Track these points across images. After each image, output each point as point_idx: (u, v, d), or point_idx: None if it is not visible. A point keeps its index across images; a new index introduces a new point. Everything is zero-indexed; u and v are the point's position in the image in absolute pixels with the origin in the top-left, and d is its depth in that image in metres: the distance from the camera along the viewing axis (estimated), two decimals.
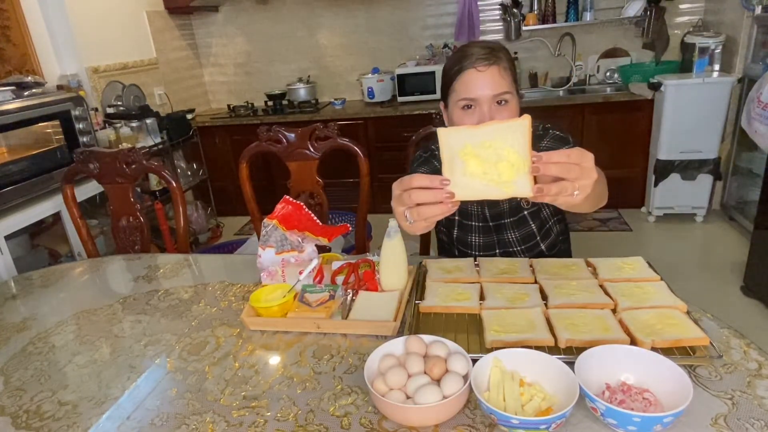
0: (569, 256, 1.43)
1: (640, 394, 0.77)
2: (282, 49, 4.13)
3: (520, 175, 0.73)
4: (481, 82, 1.11)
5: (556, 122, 1.37)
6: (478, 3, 3.63)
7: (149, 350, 1.08)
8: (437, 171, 1.32)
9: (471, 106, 1.14)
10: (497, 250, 1.36)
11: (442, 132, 0.76)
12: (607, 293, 1.03)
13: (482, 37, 3.74)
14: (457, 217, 1.39)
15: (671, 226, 3.25)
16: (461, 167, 0.75)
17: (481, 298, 1.07)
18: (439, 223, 1.47)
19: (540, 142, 1.27)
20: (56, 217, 2.38)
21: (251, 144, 1.84)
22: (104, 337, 1.15)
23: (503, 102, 1.13)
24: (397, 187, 0.84)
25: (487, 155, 0.73)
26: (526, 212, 1.31)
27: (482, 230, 1.36)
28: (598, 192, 0.98)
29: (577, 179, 0.75)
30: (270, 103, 3.95)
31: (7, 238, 2.13)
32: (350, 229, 1.33)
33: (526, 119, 0.72)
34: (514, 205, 1.32)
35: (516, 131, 0.71)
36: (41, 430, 0.88)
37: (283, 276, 1.21)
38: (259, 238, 1.24)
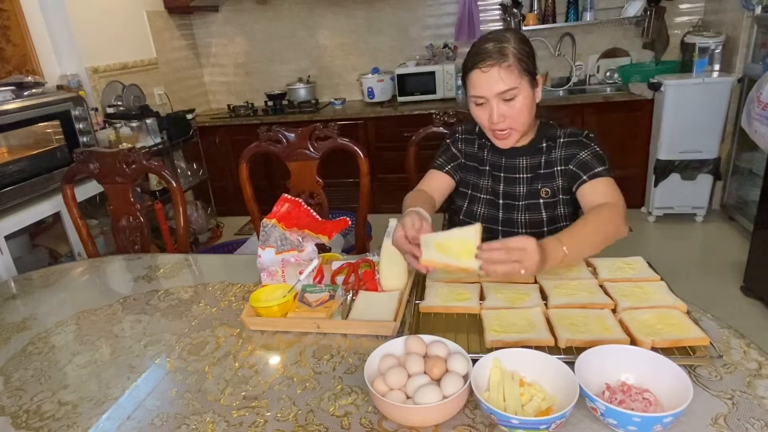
0: None
1: (640, 394, 0.77)
2: (282, 49, 4.13)
3: (472, 259, 0.94)
4: (485, 81, 1.17)
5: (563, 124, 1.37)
6: (478, 3, 3.63)
7: (149, 350, 1.08)
8: (455, 158, 1.39)
9: (482, 103, 1.21)
10: (500, 227, 1.36)
11: (422, 237, 1.01)
12: (607, 293, 1.03)
13: None
14: (469, 191, 1.40)
15: (671, 226, 3.25)
16: (433, 248, 0.98)
17: (481, 298, 1.07)
18: (451, 199, 1.47)
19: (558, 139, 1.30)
20: (56, 217, 2.38)
21: (251, 144, 1.84)
22: (104, 337, 1.15)
23: (510, 98, 1.18)
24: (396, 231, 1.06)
25: (450, 246, 0.97)
26: (542, 201, 1.32)
27: (488, 203, 1.37)
28: (594, 242, 1.07)
29: (520, 262, 0.91)
30: (270, 103, 3.94)
31: (7, 238, 2.13)
32: (349, 223, 1.33)
33: (478, 227, 0.95)
34: (534, 190, 1.32)
35: (470, 235, 0.95)
36: (41, 430, 0.88)
37: (283, 276, 1.21)
38: (258, 238, 1.24)
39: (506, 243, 0.92)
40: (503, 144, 1.27)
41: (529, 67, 1.18)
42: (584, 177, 1.23)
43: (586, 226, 1.09)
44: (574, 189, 1.26)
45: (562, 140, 1.30)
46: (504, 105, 1.18)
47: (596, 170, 1.22)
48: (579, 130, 1.30)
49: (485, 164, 1.38)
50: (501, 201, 1.36)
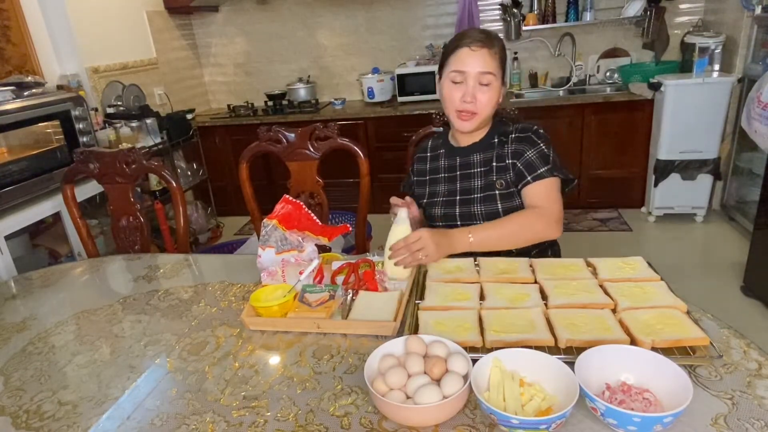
0: (526, 254, 1.39)
1: (640, 394, 0.77)
2: (282, 49, 4.13)
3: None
4: (472, 59, 1.27)
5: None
6: (478, 3, 3.63)
7: (149, 350, 1.08)
8: (411, 187, 1.50)
9: (460, 81, 1.29)
10: (459, 223, 1.40)
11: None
12: (607, 293, 1.03)
13: None
14: (425, 200, 1.47)
15: (671, 226, 3.25)
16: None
17: (481, 298, 1.07)
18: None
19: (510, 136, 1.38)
20: (56, 217, 2.38)
21: (251, 144, 1.84)
22: (104, 337, 1.15)
23: (487, 83, 1.28)
24: None
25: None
26: (497, 192, 1.36)
27: (445, 203, 1.43)
28: (501, 237, 1.24)
29: (421, 250, 1.15)
30: (270, 103, 3.94)
31: (7, 238, 2.13)
32: (350, 229, 1.34)
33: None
34: (489, 183, 1.37)
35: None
36: (41, 430, 0.88)
37: (283, 276, 1.21)
38: (259, 238, 1.24)
39: (406, 239, 1.16)
40: (463, 126, 1.34)
41: (503, 66, 1.31)
42: (528, 178, 1.31)
43: (500, 224, 1.26)
44: (519, 188, 1.33)
45: (513, 135, 1.37)
46: (479, 89, 1.28)
47: (539, 171, 1.30)
48: (530, 124, 1.38)
49: (440, 171, 1.46)
50: (458, 197, 1.41)
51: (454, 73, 1.29)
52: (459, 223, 1.39)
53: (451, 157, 1.44)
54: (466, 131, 1.36)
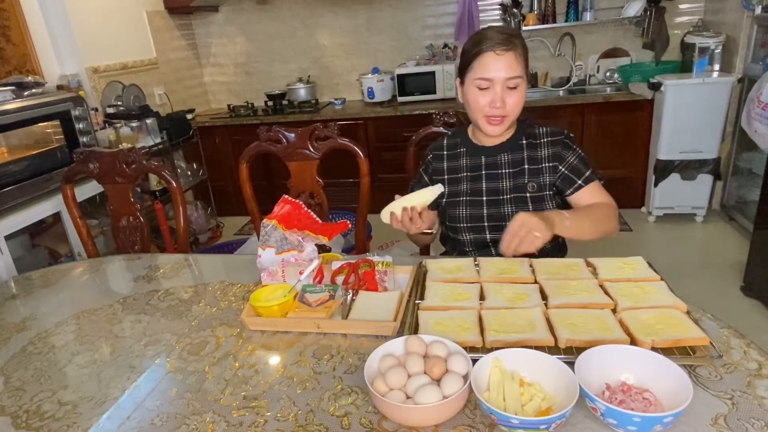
0: (549, 255, 1.41)
1: (640, 394, 0.77)
2: (282, 49, 4.13)
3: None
4: (498, 65, 1.22)
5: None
6: (478, 3, 3.63)
7: (149, 350, 1.08)
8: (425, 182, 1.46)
9: (486, 87, 1.25)
10: (486, 224, 1.37)
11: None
12: (607, 293, 1.03)
13: None
14: (445, 199, 1.42)
15: (671, 226, 3.25)
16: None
17: (481, 298, 1.07)
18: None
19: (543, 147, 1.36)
20: (56, 217, 2.38)
21: (251, 144, 1.84)
22: (104, 337, 1.15)
23: (515, 86, 1.25)
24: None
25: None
26: (528, 195, 1.35)
27: (470, 203, 1.39)
28: (592, 227, 1.23)
29: (529, 232, 1.09)
30: (270, 103, 3.94)
31: (7, 238, 2.13)
32: (350, 226, 1.34)
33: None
34: (519, 185, 1.35)
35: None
36: (41, 430, 0.88)
37: (283, 276, 1.21)
38: (259, 238, 1.24)
39: (509, 232, 1.10)
40: (493, 130, 1.30)
41: (527, 64, 1.27)
42: (580, 182, 1.31)
43: (588, 212, 1.26)
44: (568, 192, 1.33)
45: (545, 139, 1.36)
46: (507, 92, 1.24)
47: (587, 175, 1.32)
48: (558, 129, 1.37)
49: (462, 171, 1.41)
50: (485, 198, 1.38)
51: (480, 80, 1.24)
52: (486, 224, 1.37)
53: (475, 156, 1.39)
54: (497, 135, 1.33)
